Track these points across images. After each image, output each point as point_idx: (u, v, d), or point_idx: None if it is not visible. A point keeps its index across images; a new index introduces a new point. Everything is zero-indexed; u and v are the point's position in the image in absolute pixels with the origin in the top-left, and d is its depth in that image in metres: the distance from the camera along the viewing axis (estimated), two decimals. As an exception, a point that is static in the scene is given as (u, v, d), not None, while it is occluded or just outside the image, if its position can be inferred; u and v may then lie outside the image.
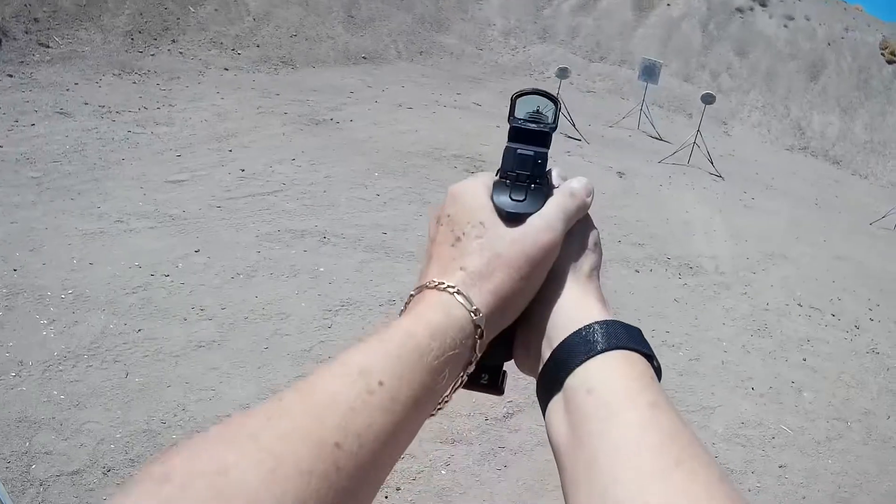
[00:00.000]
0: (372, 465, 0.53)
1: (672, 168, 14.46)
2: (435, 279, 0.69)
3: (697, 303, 8.42)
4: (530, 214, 0.73)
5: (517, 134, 0.80)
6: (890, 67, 26.78)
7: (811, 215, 15.06)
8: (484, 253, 0.71)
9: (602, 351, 0.64)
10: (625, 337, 0.65)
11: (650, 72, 17.09)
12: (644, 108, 17.29)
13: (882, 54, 26.95)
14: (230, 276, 6.09)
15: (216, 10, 15.34)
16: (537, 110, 0.81)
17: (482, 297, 0.68)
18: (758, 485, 5.44)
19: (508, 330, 0.74)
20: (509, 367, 0.77)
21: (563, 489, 0.60)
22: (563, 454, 0.61)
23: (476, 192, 0.76)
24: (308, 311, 5.89)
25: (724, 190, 14.20)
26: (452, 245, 0.73)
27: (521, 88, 0.83)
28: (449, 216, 0.76)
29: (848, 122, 24.86)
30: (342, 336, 5.65)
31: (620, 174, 12.52)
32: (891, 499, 5.81)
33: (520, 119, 0.80)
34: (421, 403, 0.59)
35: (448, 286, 0.67)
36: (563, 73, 14.74)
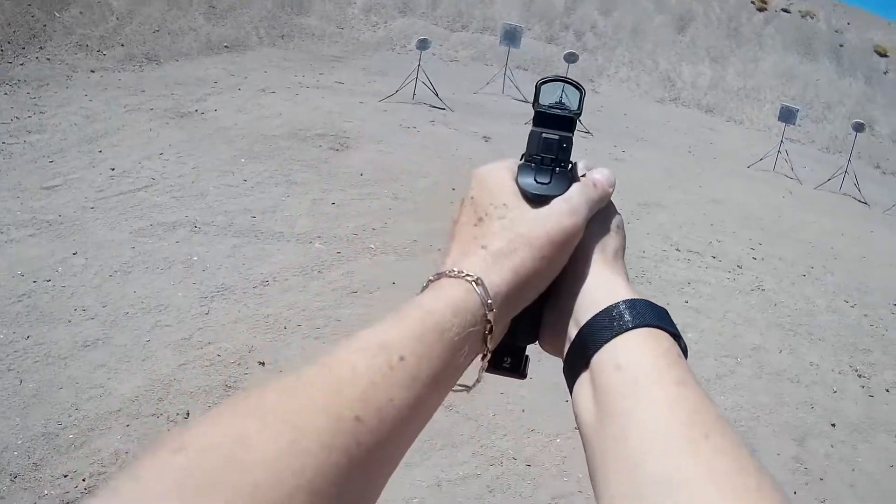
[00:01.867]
0: (391, 440, 0.54)
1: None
2: (454, 268, 0.69)
3: None
4: (555, 197, 0.76)
5: (542, 118, 0.82)
6: (761, 14, 27.39)
7: (685, 163, 15.52)
8: (506, 233, 0.73)
9: (629, 328, 0.65)
10: (651, 315, 0.67)
11: (511, 36, 17.25)
12: (508, 72, 17.46)
13: (752, 2, 27.58)
14: (108, 275, 6.13)
15: (81, 12, 15.01)
16: (561, 98, 0.83)
17: (502, 275, 0.69)
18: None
19: (532, 312, 0.76)
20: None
21: (588, 464, 0.62)
22: (590, 431, 0.63)
23: (500, 174, 0.79)
24: (185, 300, 5.97)
25: (594, 146, 14.39)
26: (475, 225, 0.75)
27: (546, 76, 0.85)
28: (473, 198, 0.78)
29: (719, 70, 25.40)
30: (220, 321, 5.73)
31: (486, 138, 12.66)
32: (790, 429, 6.10)
33: (544, 105, 0.82)
34: (441, 380, 0.60)
35: (467, 275, 0.68)
36: (422, 44, 14.83)
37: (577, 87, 0.83)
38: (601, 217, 0.78)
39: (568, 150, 0.79)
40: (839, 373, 7.52)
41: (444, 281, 0.68)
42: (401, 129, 12.03)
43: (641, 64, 24.49)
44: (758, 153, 17.38)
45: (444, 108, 14.21)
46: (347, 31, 20.46)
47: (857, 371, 7.66)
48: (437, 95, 14.41)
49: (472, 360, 0.66)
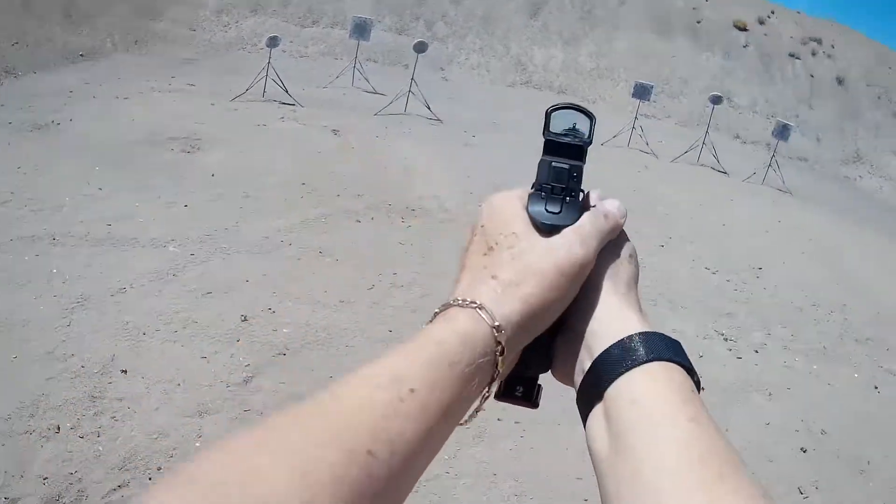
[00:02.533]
0: (403, 472, 0.54)
1: (389, 119, 14.83)
2: (459, 297, 0.70)
3: (423, 242, 8.83)
4: (565, 226, 0.76)
5: (552, 147, 0.82)
6: (617, -7, 27.74)
7: (537, 145, 15.46)
8: (515, 263, 0.73)
9: (643, 362, 0.65)
10: (665, 349, 0.67)
11: (361, 29, 17.42)
12: (357, 65, 17.63)
13: (608, -17, 27.82)
14: (-30, 295, 6.02)
15: (-60, 33, 14.67)
16: (573, 126, 0.83)
17: (512, 305, 0.69)
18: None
19: (544, 342, 0.76)
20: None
21: (602, 496, 0.62)
22: (604, 465, 0.63)
23: (511, 204, 0.79)
24: (47, 313, 5.90)
25: (444, 133, 14.74)
26: (485, 254, 0.75)
27: (556, 103, 0.85)
28: (483, 227, 0.78)
29: (572, 52, 25.85)
30: (81, 332, 5.71)
31: (335, 132, 12.89)
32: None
33: (554, 133, 0.82)
34: (451, 412, 0.61)
35: (472, 302, 0.69)
36: (272, 41, 14.95)
37: (588, 114, 0.83)
38: (613, 246, 0.79)
39: (579, 179, 0.80)
40: (704, 338, 8.03)
41: (452, 311, 0.69)
42: (251, 128, 12.18)
43: (492, 50, 24.74)
44: (613, 130, 17.71)
45: (293, 104, 14.31)
46: (200, 32, 20.29)
47: (723, 335, 8.20)
48: (287, 92, 14.49)
49: (483, 390, 0.67)
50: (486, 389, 0.68)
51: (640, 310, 0.75)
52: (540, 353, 0.77)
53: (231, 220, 8.26)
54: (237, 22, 21.65)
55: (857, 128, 27.55)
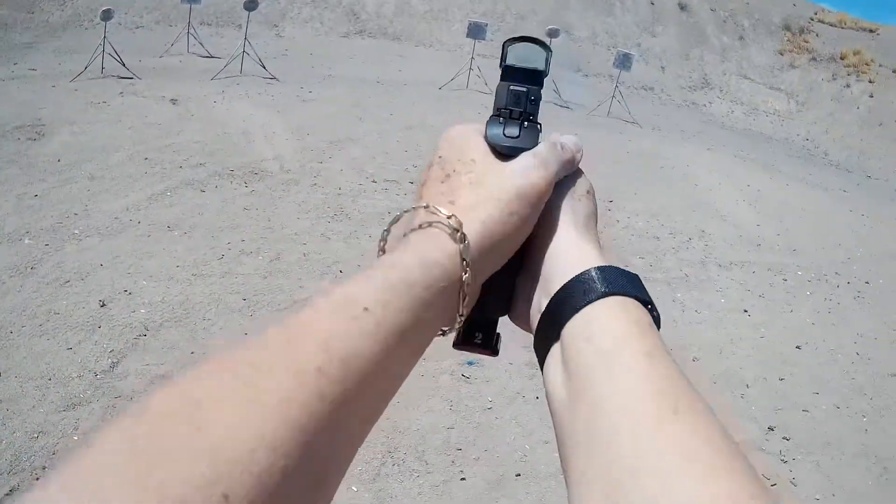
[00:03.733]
0: (358, 394, 0.52)
1: (225, 82, 14.83)
2: (427, 203, 0.69)
3: (267, 205, 8.98)
4: (524, 151, 0.75)
5: (509, 73, 0.81)
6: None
7: (374, 94, 15.86)
8: (474, 187, 0.72)
9: (600, 297, 0.63)
10: (623, 282, 0.65)
11: None
12: (191, 30, 17.51)
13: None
14: None
15: None
16: (528, 56, 0.81)
17: (471, 226, 0.68)
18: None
19: (503, 283, 0.75)
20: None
21: (558, 440, 0.60)
22: (560, 406, 0.61)
23: (468, 132, 0.78)
24: None
25: (281, 90, 14.78)
26: (442, 182, 0.74)
27: (513, 36, 0.84)
28: (441, 157, 0.76)
29: None
30: None
31: (173, 101, 12.85)
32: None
33: (511, 63, 0.81)
34: (407, 333, 0.58)
35: (426, 206, 0.68)
36: (106, 15, 14.62)
37: (544, 46, 0.81)
38: (570, 182, 0.78)
39: (536, 104, 0.79)
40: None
41: (412, 236, 0.67)
42: (92, 107, 12.02)
43: (325, 1, 24.51)
44: (451, 74, 18.06)
45: (132, 78, 14.14)
46: (38, 14, 19.55)
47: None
48: (124, 65, 14.32)
49: (447, 319, 0.66)
50: (453, 320, 0.67)
51: (600, 245, 0.74)
52: (498, 294, 0.75)
53: (80, 205, 8.22)
54: (72, -1, 20.88)
55: (704, 53, 28.21)
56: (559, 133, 0.80)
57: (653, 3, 29.18)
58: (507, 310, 0.77)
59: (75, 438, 4.82)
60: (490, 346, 0.76)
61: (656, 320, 0.64)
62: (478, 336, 0.76)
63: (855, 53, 28.65)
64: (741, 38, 29.40)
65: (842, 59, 28.55)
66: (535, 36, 0.81)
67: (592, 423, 0.55)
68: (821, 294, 9.82)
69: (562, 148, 0.77)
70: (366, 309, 0.55)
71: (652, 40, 27.87)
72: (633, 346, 0.59)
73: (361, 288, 0.57)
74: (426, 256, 0.63)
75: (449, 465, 5.34)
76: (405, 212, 0.70)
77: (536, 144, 0.76)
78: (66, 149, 9.88)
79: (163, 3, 21.72)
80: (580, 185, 0.79)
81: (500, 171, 0.73)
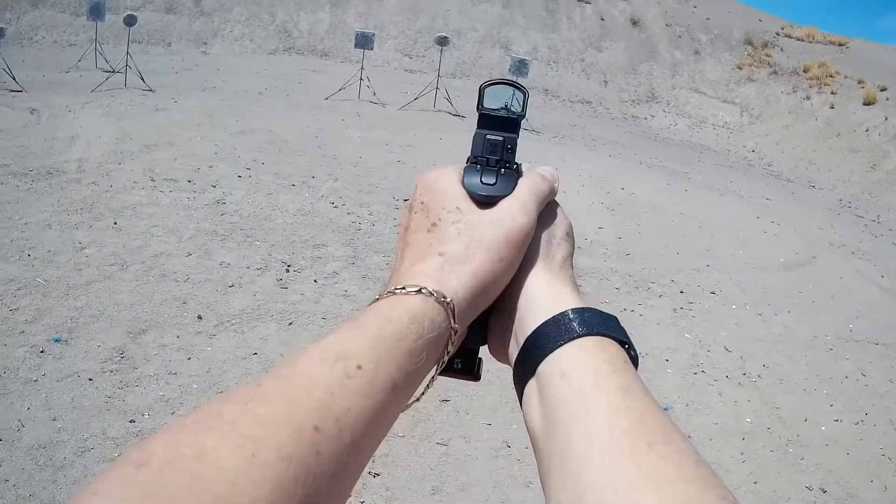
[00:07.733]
0: (352, 449, 0.53)
1: (103, 95, 15.12)
2: (401, 285, 0.68)
3: (32, 201, 8.80)
4: (502, 197, 0.75)
5: (486, 121, 0.81)
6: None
7: (240, 105, 16.08)
8: (462, 237, 0.72)
9: (577, 336, 0.64)
10: (599, 324, 0.66)
11: (97, 10, 17.69)
12: (97, 47, 18.15)
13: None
14: None
15: None
16: (507, 104, 0.82)
17: (461, 280, 0.69)
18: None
19: (480, 318, 0.75)
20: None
21: (539, 473, 0.61)
22: (538, 441, 0.62)
23: (449, 178, 0.77)
24: None
25: (145, 101, 15.09)
26: (428, 230, 0.74)
27: (490, 79, 0.84)
28: (423, 203, 0.76)
29: (340, 15, 26.20)
30: None
31: (32, 111, 13.05)
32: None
33: (488, 108, 0.81)
34: (399, 387, 0.60)
35: (414, 287, 0.67)
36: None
37: (521, 89, 0.82)
38: (549, 219, 0.78)
39: (513, 151, 0.79)
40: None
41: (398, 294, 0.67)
42: None
43: (258, 19, 24.93)
44: (356, 87, 18.46)
45: (21, 90, 14.69)
46: None
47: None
48: (14, 79, 14.97)
49: (432, 366, 0.67)
50: (436, 366, 0.68)
51: (576, 287, 0.74)
52: (477, 326, 0.76)
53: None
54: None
55: (653, 68, 28.21)
56: (529, 166, 0.82)
57: (603, 20, 29.33)
58: (484, 341, 0.78)
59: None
60: (471, 371, 0.78)
61: (633, 360, 0.66)
62: (457, 363, 0.77)
63: (820, 66, 28.67)
64: (696, 52, 29.45)
65: (805, 71, 28.59)
66: (510, 79, 0.83)
67: (566, 454, 0.57)
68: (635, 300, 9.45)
69: (542, 177, 0.78)
70: (359, 367, 0.57)
71: (597, 55, 28.01)
72: (610, 382, 0.60)
73: (356, 343, 0.59)
74: (416, 310, 0.65)
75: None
76: (398, 288, 0.67)
77: (513, 190, 0.76)
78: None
79: (60, 20, 21.74)
80: (558, 228, 0.78)
81: (487, 219, 0.73)
